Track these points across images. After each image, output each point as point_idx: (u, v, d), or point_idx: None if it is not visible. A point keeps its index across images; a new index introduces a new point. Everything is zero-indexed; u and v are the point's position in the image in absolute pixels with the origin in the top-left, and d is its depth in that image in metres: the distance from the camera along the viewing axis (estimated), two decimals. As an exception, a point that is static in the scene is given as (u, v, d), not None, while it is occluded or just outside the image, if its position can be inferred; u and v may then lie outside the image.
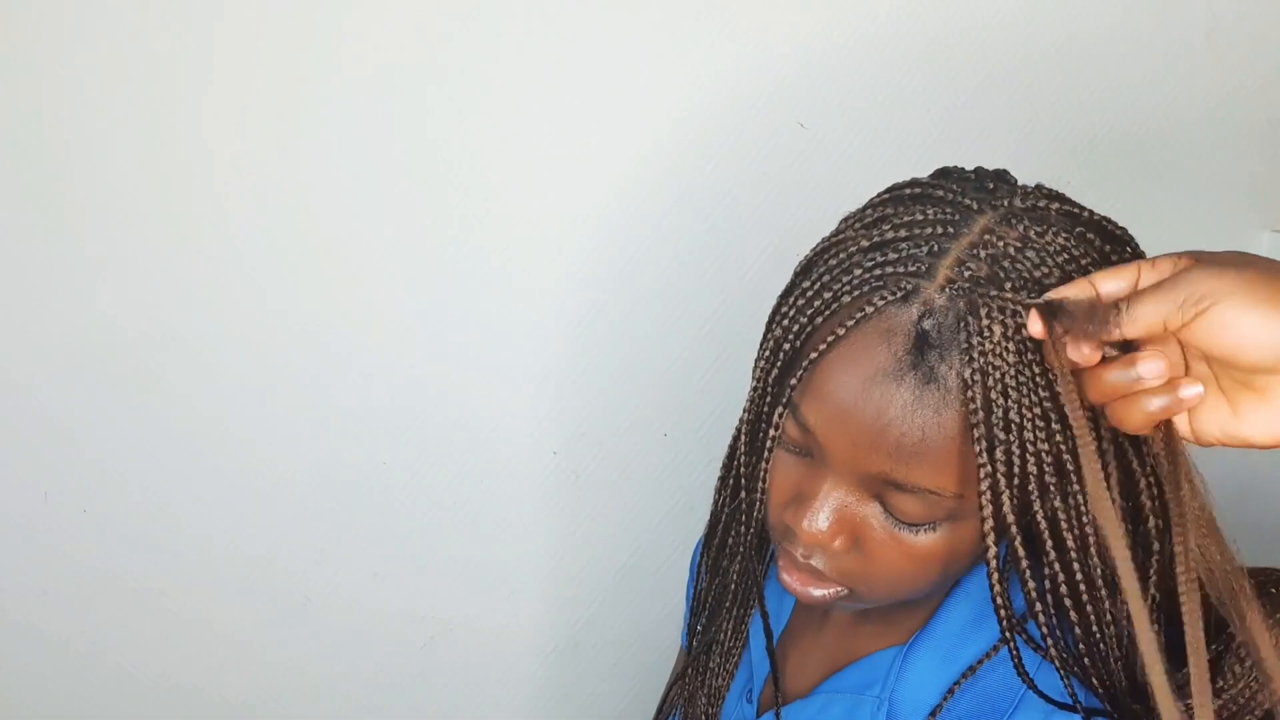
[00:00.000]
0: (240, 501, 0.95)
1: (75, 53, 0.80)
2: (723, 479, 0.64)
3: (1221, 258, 0.44)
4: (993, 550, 0.49)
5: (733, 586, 0.67)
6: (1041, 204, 0.51)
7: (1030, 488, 0.48)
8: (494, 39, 0.84)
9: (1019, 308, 0.47)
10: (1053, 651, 0.52)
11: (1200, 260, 0.44)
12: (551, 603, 1.04)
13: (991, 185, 0.53)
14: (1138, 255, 0.52)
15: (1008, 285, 0.48)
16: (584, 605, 1.04)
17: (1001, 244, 0.49)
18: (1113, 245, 0.51)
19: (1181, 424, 0.45)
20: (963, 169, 0.56)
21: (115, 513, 0.94)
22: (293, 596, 0.99)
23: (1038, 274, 0.48)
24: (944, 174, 0.56)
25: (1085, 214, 0.51)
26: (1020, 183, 0.55)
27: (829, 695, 0.61)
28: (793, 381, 0.51)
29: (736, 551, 0.64)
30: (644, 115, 0.87)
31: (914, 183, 0.54)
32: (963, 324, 0.47)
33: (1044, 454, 0.48)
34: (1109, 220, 0.52)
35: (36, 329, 0.87)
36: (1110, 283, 0.46)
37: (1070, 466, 0.48)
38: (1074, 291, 0.46)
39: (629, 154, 0.88)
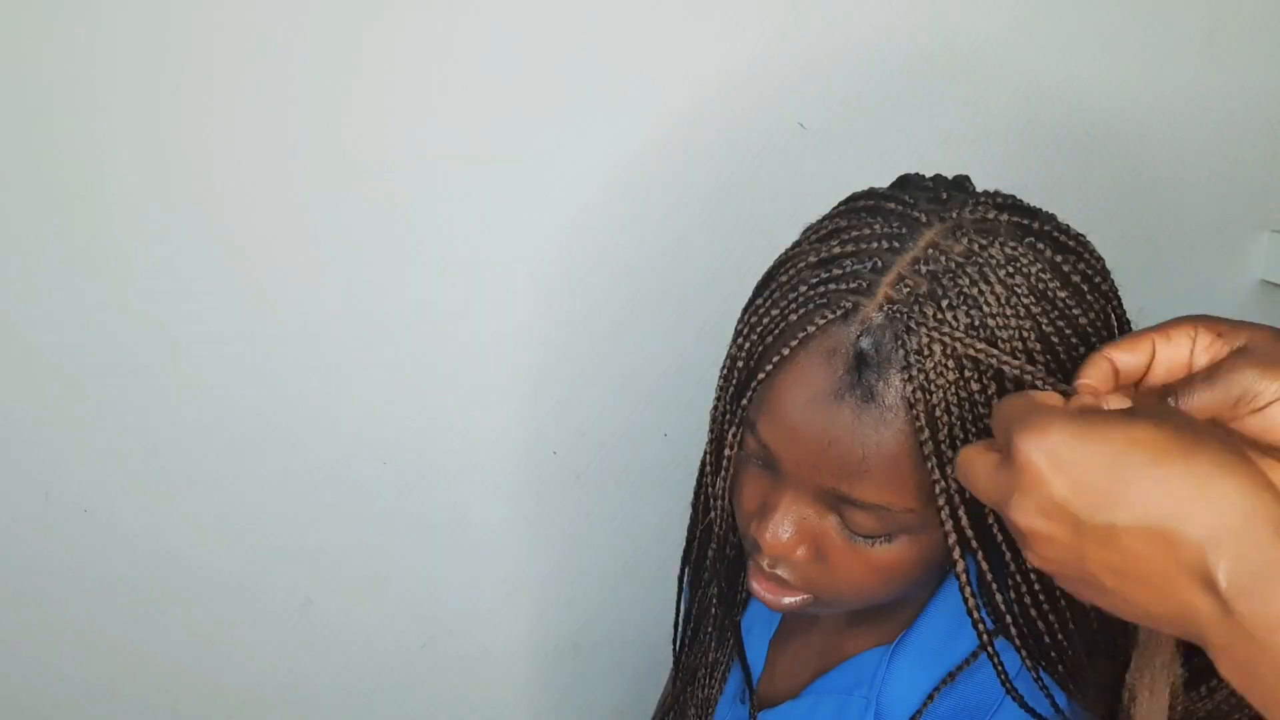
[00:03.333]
0: (241, 501, 0.95)
1: (79, 51, 0.80)
2: (696, 494, 0.64)
3: (1261, 344, 0.42)
4: (960, 565, 0.49)
5: (712, 603, 0.67)
6: (991, 215, 0.50)
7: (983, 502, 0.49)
8: (494, 39, 0.84)
9: (954, 327, 0.47)
10: (1027, 661, 0.52)
11: (1238, 344, 0.43)
12: (551, 603, 1.04)
13: (945, 195, 0.52)
14: (1091, 264, 0.51)
15: (944, 303, 0.47)
16: (584, 606, 1.04)
17: (943, 259, 0.48)
18: (1064, 255, 0.50)
19: None
20: (922, 177, 0.56)
21: (116, 513, 0.94)
22: (293, 597, 1.00)
23: (974, 291, 0.47)
24: (902, 183, 0.55)
25: (1036, 224, 0.51)
26: (980, 190, 0.54)
27: (818, 696, 0.62)
28: (744, 402, 0.51)
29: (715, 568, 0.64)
30: (644, 115, 0.87)
31: (870, 194, 0.54)
32: (899, 342, 0.47)
33: None
34: (1062, 230, 0.51)
35: (38, 328, 0.87)
36: (1125, 356, 0.45)
37: None
38: (1094, 372, 0.45)
39: (629, 154, 0.88)
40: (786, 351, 0.49)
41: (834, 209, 0.56)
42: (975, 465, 0.42)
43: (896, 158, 0.90)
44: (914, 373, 0.47)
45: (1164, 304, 0.99)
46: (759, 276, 0.57)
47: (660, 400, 0.96)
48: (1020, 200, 0.53)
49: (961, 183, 0.55)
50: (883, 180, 0.58)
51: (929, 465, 0.47)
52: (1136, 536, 0.37)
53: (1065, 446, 0.38)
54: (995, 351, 0.47)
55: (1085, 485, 0.38)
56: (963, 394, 0.47)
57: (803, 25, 0.86)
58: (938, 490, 0.48)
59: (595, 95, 0.86)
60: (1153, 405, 0.43)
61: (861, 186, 0.57)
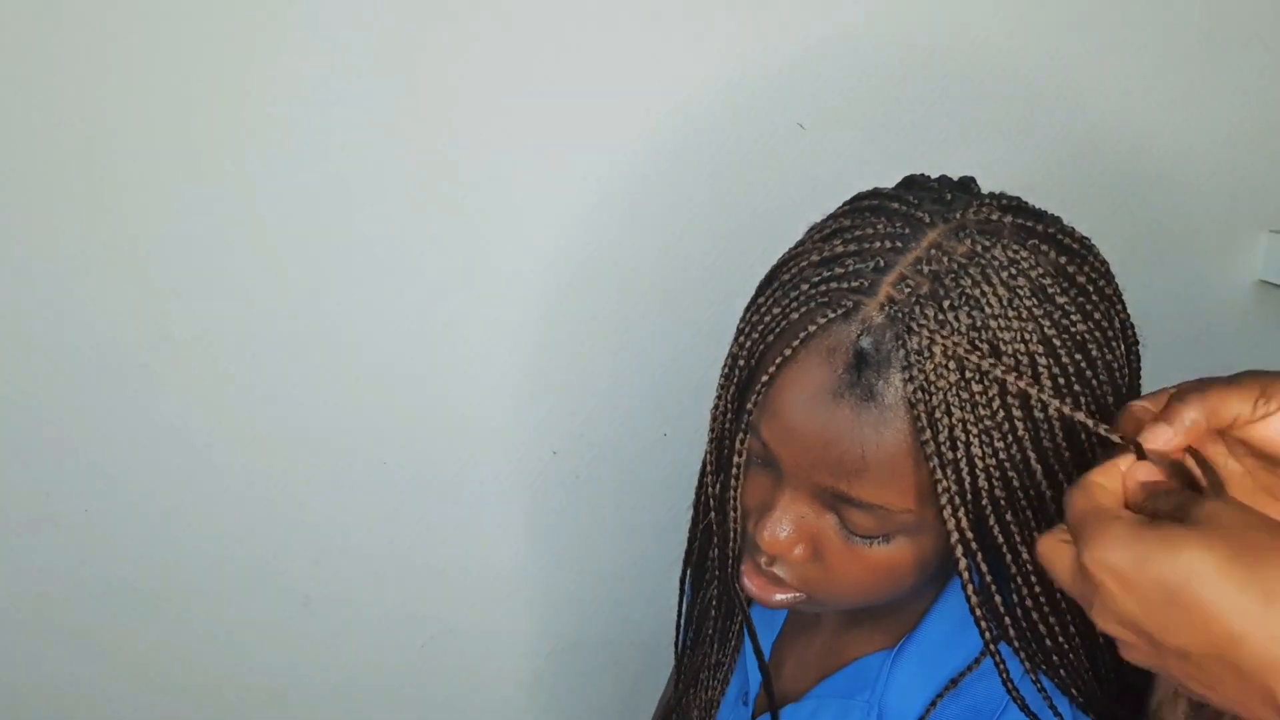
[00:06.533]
0: (240, 501, 0.95)
1: (76, 53, 0.80)
2: (698, 494, 0.64)
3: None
4: (963, 563, 0.49)
5: (712, 606, 0.67)
6: (995, 216, 0.50)
7: (984, 503, 0.48)
8: (493, 38, 0.84)
9: (955, 328, 0.47)
10: (1025, 664, 0.52)
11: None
12: (551, 602, 1.04)
13: (950, 196, 0.52)
14: (1095, 267, 0.51)
15: (946, 303, 0.47)
16: (584, 605, 1.04)
17: (946, 260, 0.48)
18: (1068, 258, 0.50)
19: None
20: (927, 177, 0.55)
21: (116, 513, 0.94)
22: (293, 596, 1.00)
23: (976, 292, 0.47)
24: (907, 184, 0.55)
25: (1040, 227, 0.50)
26: (985, 191, 0.54)
27: (820, 700, 0.62)
28: (749, 405, 0.51)
29: (715, 570, 0.64)
30: (644, 115, 0.87)
31: (875, 193, 0.54)
32: (900, 342, 0.47)
33: (991, 469, 0.48)
34: (1066, 232, 0.51)
35: (37, 329, 0.87)
36: (1194, 414, 0.44)
37: (1016, 484, 0.48)
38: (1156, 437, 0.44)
39: (629, 154, 0.88)
40: (789, 352, 0.49)
41: (838, 208, 0.55)
42: (1057, 563, 0.42)
43: (895, 158, 0.90)
44: (914, 373, 0.47)
45: (1163, 304, 0.99)
46: (758, 276, 0.57)
47: (660, 400, 0.96)
48: (1025, 202, 0.53)
49: (966, 184, 0.55)
50: (882, 181, 0.58)
51: (930, 466, 0.47)
52: (1207, 658, 0.37)
53: (1129, 567, 0.38)
54: (996, 363, 0.47)
55: (1152, 610, 0.38)
56: (964, 395, 0.47)
57: (802, 25, 0.86)
58: (939, 490, 0.48)
59: (594, 95, 0.86)
60: (1226, 500, 0.42)
61: (860, 187, 0.57)
